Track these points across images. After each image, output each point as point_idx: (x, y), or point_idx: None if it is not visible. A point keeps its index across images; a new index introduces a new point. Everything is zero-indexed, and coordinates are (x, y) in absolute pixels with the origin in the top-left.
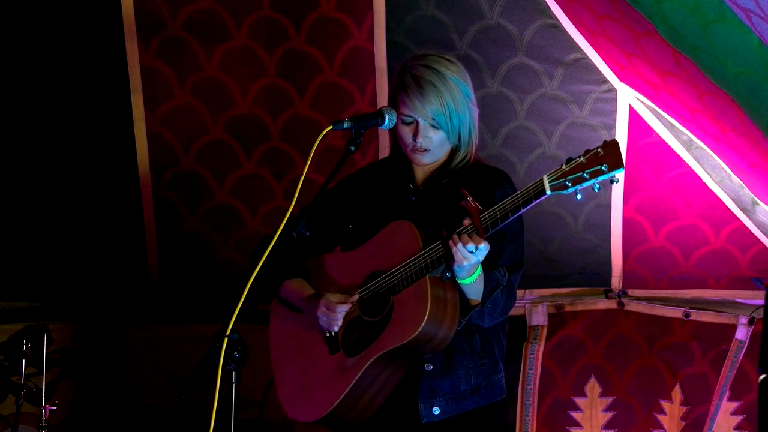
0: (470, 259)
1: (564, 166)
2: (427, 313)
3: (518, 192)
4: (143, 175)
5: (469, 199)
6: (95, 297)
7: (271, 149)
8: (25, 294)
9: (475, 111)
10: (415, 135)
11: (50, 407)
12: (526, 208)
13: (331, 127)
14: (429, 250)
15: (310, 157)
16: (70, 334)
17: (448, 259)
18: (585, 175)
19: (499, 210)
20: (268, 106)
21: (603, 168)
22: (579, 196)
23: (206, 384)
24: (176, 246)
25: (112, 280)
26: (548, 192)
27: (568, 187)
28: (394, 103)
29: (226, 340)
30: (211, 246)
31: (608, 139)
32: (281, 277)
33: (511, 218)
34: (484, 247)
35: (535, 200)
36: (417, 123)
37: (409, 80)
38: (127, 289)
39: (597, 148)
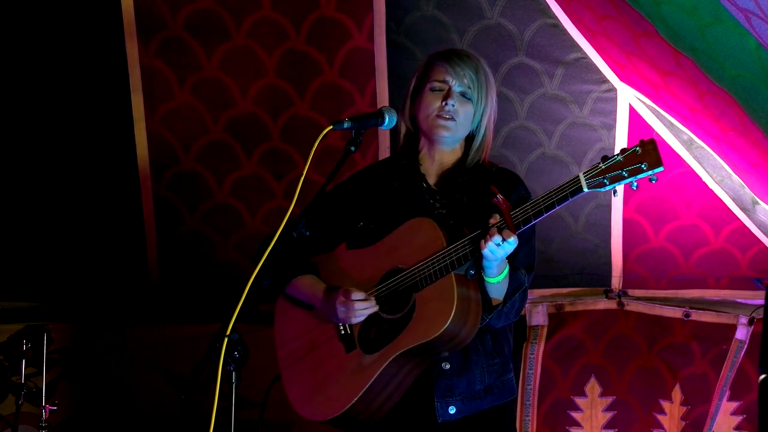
0: (497, 252)
1: (600, 164)
2: (453, 311)
3: (551, 190)
4: (143, 174)
5: (499, 196)
6: (95, 297)
7: (271, 149)
8: (25, 294)
9: (495, 109)
10: (446, 98)
11: (50, 407)
12: (560, 206)
13: (331, 127)
14: (455, 247)
15: (310, 157)
16: (70, 334)
17: (476, 255)
18: (624, 173)
19: (531, 207)
20: (268, 106)
21: (643, 166)
22: (616, 194)
23: (206, 384)
24: (176, 246)
25: (112, 280)
26: (585, 189)
27: (606, 184)
28: (425, 77)
29: (226, 340)
30: (211, 246)
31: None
32: (288, 275)
33: (545, 215)
34: (513, 241)
35: (571, 198)
36: (449, 89)
37: (450, 53)
38: (126, 289)
39: (634, 146)
